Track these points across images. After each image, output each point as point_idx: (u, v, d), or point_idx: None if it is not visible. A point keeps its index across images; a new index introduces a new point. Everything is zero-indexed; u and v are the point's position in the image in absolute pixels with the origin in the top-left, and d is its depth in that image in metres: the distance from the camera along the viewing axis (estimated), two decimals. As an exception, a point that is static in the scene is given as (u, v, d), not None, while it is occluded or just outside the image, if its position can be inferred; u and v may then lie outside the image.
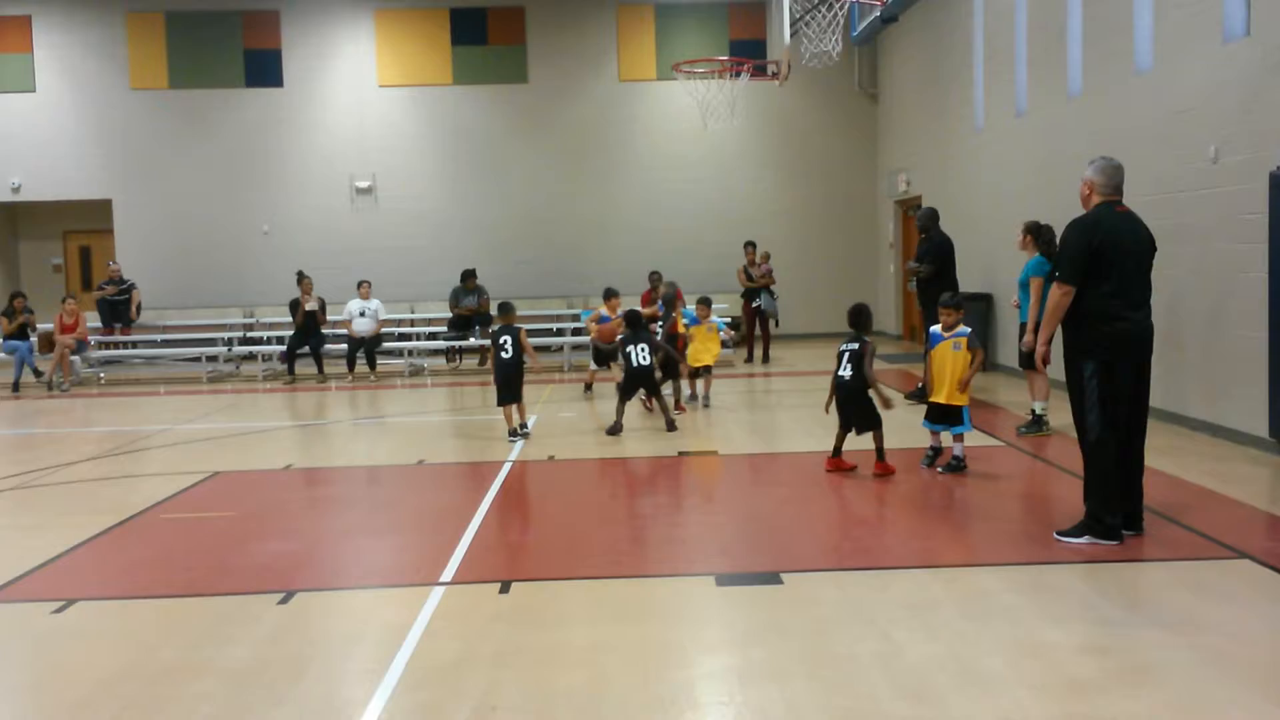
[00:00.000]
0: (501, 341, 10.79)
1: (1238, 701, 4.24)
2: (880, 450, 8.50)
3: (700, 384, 12.92)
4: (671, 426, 10.99)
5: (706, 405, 12.65)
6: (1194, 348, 9.87)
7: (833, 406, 8.74)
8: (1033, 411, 10.15)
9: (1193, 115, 9.79)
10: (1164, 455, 8.73)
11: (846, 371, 8.50)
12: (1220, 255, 9.41)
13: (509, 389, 10.80)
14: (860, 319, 8.74)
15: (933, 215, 12.54)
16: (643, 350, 11.02)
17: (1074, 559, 6.13)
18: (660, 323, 12.96)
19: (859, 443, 8.67)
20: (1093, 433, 6.38)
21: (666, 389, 11.91)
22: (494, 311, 18.46)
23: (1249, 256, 8.91)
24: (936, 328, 8.61)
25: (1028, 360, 10.37)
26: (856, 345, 8.51)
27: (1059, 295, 6.38)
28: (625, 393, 11.11)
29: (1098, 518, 6.36)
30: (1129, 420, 6.38)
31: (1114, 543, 6.31)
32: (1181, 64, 9.99)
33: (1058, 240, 7.35)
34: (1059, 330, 6.58)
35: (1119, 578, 5.84)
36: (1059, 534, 6.51)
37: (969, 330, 8.55)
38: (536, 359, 11.11)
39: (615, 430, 10.80)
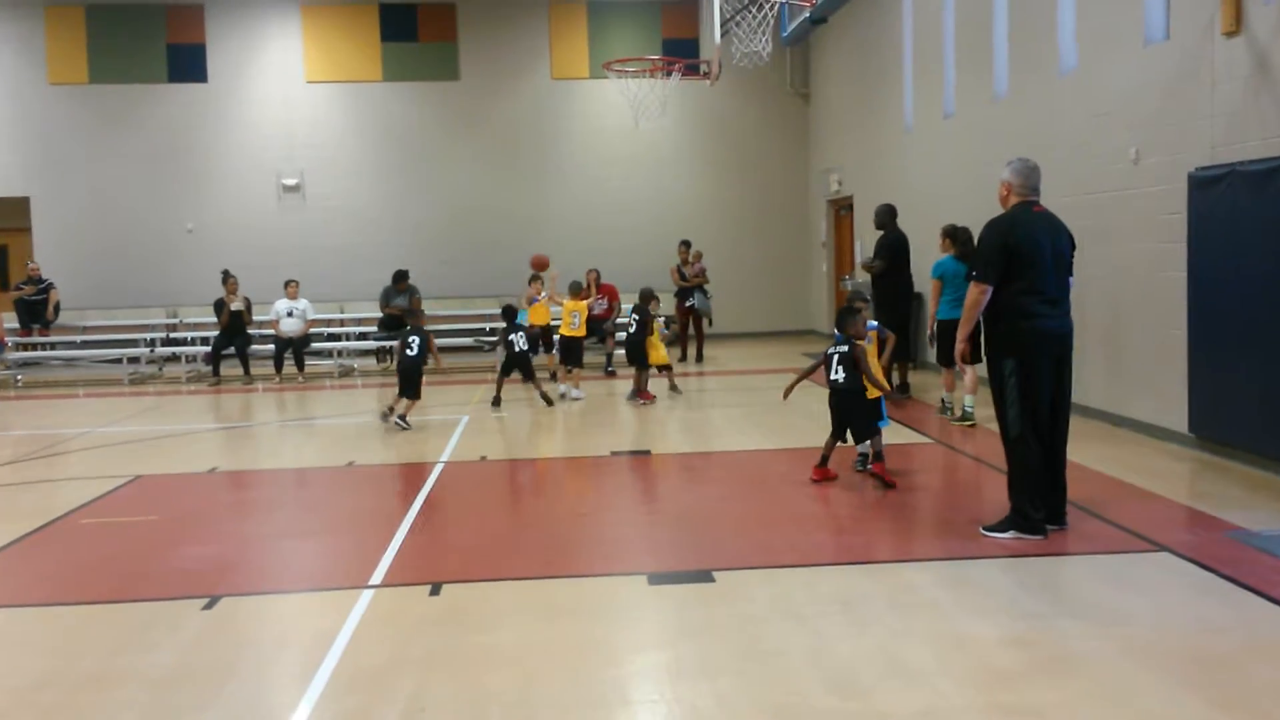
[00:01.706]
0: (410, 341, 11.52)
1: (1155, 690, 4.33)
2: (880, 452, 8.14)
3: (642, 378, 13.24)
4: (547, 402, 12.69)
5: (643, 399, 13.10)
6: (1115, 345, 10.08)
7: (793, 399, 8.49)
8: (963, 406, 10.37)
9: (1114, 117, 10.00)
10: (1086, 450, 8.89)
11: (839, 375, 8.01)
12: (1141, 254, 9.61)
13: (410, 385, 11.51)
14: (846, 319, 8.21)
15: (890, 212, 12.80)
16: (520, 338, 12.62)
17: (999, 553, 6.22)
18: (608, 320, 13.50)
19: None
20: (1013, 429, 6.49)
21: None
22: (426, 310, 18.48)
23: (1169, 256, 9.11)
24: None
25: (944, 357, 10.64)
26: (846, 347, 8.04)
27: (976, 294, 6.50)
28: (504, 371, 12.95)
29: (1022, 513, 6.47)
30: (1051, 416, 6.51)
31: (1038, 537, 6.42)
32: (1103, 66, 10.19)
33: (975, 241, 7.50)
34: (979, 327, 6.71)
35: (1042, 571, 5.94)
36: (984, 529, 6.61)
37: (876, 323, 8.65)
38: (440, 362, 12.21)
39: (496, 402, 12.65)
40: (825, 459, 8.23)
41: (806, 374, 8.42)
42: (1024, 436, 6.46)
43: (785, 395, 8.53)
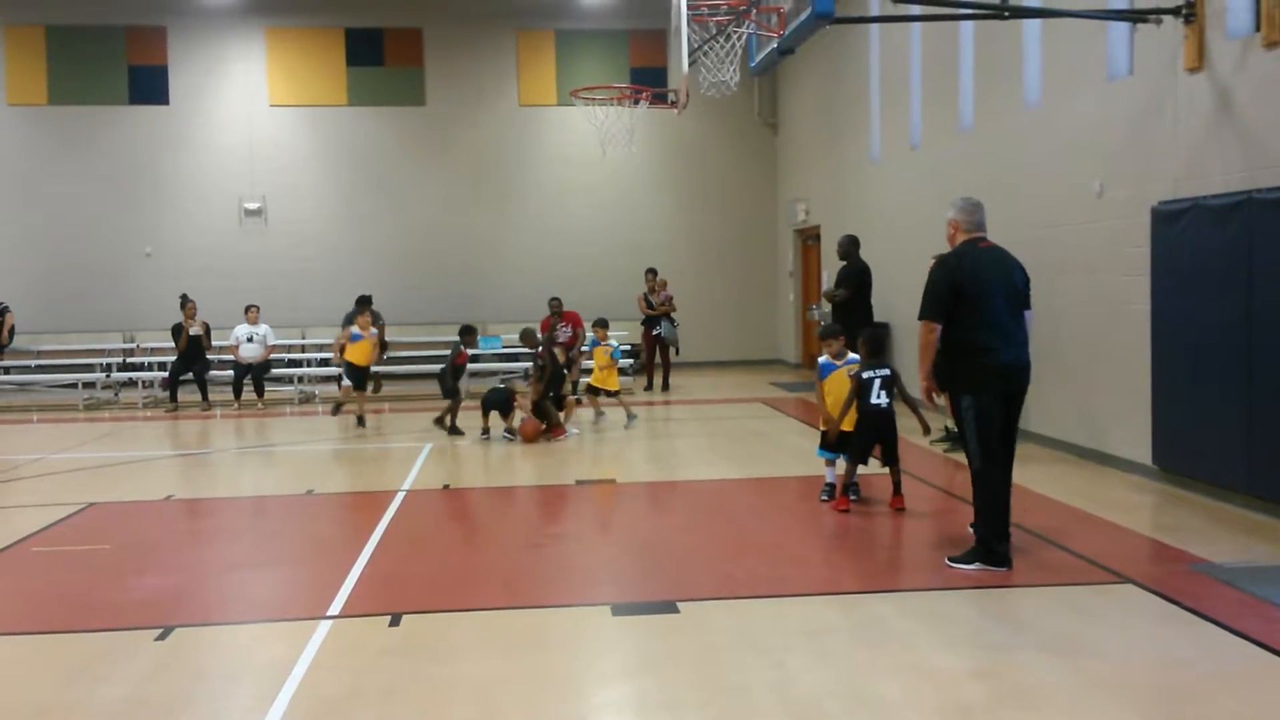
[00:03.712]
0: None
1: (1124, 724, 4.31)
2: (900, 483, 8.23)
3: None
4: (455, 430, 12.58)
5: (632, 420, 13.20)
6: (1080, 377, 10.13)
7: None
8: (945, 428, 10.38)
9: (1079, 151, 10.09)
10: (1052, 482, 8.93)
11: (883, 399, 8.04)
12: (1105, 287, 9.68)
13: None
14: (883, 345, 8.25)
15: (854, 242, 12.88)
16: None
17: (965, 585, 6.19)
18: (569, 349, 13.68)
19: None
20: (974, 461, 6.55)
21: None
22: (389, 338, 18.32)
23: (1132, 289, 9.17)
24: (825, 357, 8.61)
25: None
26: (888, 370, 8.13)
27: (925, 333, 6.54)
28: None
29: (987, 544, 6.47)
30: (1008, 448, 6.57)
31: (1003, 569, 6.42)
32: (1068, 101, 10.29)
33: None
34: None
35: (1008, 603, 5.93)
36: (950, 560, 6.59)
37: (858, 357, 8.60)
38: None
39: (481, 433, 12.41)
40: (848, 487, 8.24)
41: (849, 406, 8.18)
42: (985, 469, 6.50)
43: (834, 435, 8.27)
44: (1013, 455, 6.67)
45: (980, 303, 6.45)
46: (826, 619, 5.63)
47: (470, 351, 13.42)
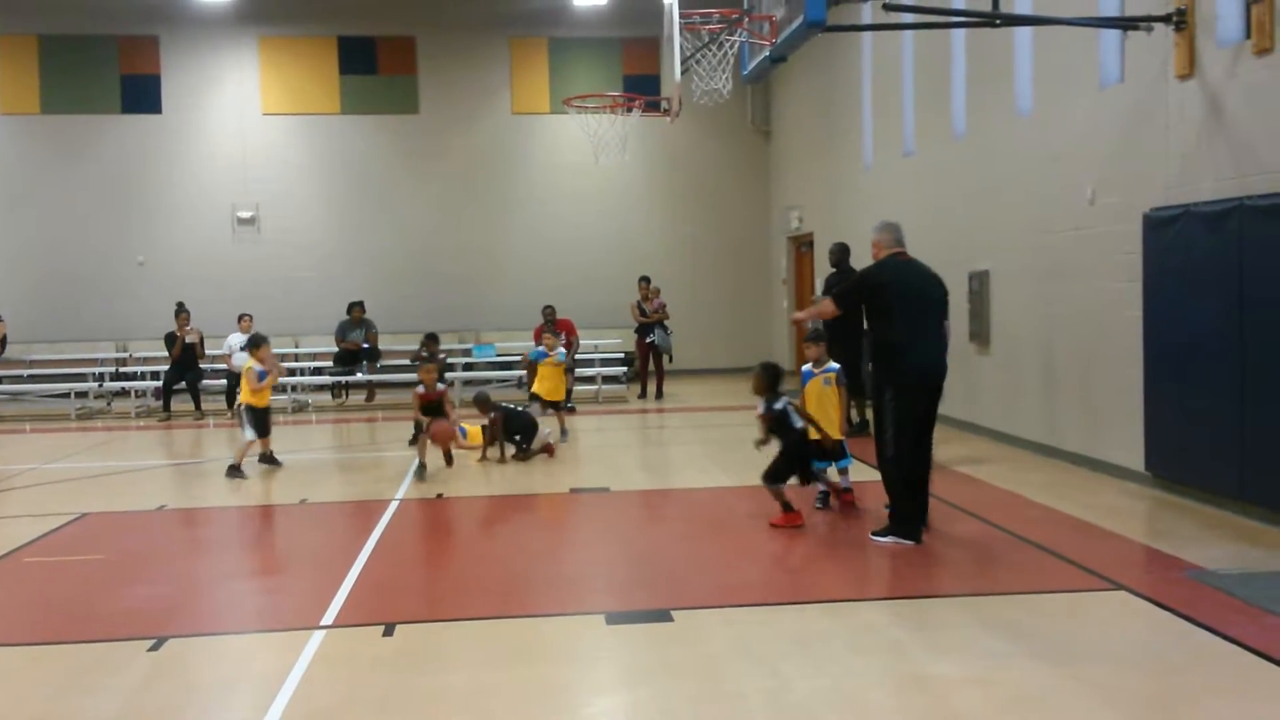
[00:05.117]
0: None
1: (1118, 732, 4.30)
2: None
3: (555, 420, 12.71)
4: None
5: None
6: (1072, 383, 10.14)
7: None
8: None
9: (1071, 157, 10.11)
10: (1044, 488, 8.94)
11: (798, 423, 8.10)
12: (1098, 293, 9.69)
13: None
14: (778, 379, 8.24)
15: (844, 250, 12.91)
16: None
17: (958, 591, 6.21)
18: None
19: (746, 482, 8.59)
20: (889, 449, 7.38)
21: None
22: (383, 346, 18.33)
23: (1125, 295, 9.19)
24: (808, 366, 8.64)
25: None
26: (836, 367, 8.58)
27: (828, 308, 7.82)
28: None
29: (899, 521, 7.28)
30: (922, 438, 7.34)
31: (912, 542, 7.18)
32: (1060, 108, 10.32)
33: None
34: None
35: (1001, 610, 5.92)
36: (872, 534, 7.40)
37: (837, 367, 8.58)
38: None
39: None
40: (787, 503, 8.07)
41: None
42: (898, 455, 7.29)
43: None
44: (930, 443, 7.45)
45: (901, 308, 7.32)
46: (820, 627, 5.63)
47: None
